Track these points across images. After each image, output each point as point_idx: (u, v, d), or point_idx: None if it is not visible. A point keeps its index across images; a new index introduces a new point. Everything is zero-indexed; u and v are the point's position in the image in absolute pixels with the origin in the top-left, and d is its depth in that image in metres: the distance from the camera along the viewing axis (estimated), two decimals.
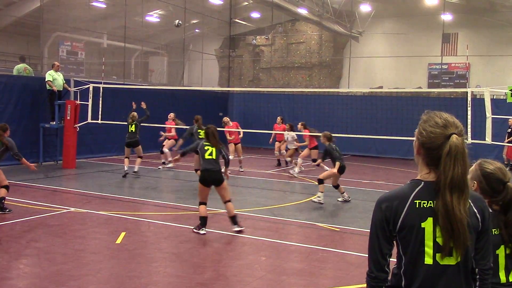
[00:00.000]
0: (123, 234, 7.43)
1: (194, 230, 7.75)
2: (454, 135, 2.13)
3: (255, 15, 29.53)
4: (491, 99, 11.44)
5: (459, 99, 18.41)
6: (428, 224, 2.12)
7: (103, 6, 26.97)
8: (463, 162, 2.10)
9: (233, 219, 7.89)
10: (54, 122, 14.48)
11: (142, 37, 28.55)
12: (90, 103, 14.71)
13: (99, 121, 14.65)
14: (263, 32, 29.07)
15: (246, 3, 29.88)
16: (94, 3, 25.87)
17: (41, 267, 5.97)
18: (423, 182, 2.18)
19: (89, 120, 14.60)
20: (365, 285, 2.27)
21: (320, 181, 10.03)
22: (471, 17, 24.54)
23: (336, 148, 10.24)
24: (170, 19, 29.68)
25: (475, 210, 2.16)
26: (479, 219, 2.16)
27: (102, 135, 16.65)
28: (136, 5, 25.47)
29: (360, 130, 17.60)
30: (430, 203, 2.13)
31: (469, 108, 10.75)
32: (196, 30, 31.49)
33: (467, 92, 11.66)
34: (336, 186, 10.43)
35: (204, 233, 7.66)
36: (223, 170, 7.98)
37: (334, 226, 8.54)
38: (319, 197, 9.99)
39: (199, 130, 12.08)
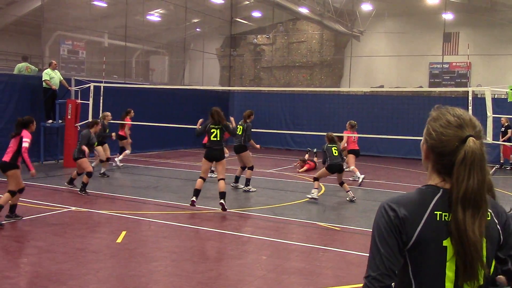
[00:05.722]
0: (123, 233, 7.43)
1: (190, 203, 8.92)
2: (470, 137, 1.73)
3: (256, 14, 29.51)
4: (492, 98, 11.44)
5: (460, 99, 18.40)
6: (450, 242, 1.72)
7: (104, 5, 26.95)
8: (480, 171, 1.70)
9: (221, 195, 8.82)
10: (51, 121, 14.53)
11: (143, 36, 28.54)
12: (91, 102, 14.71)
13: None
14: (264, 31, 29.07)
15: (247, 2, 29.87)
16: (95, 2, 25.83)
17: (41, 266, 5.97)
18: (441, 190, 1.76)
19: (90, 119, 14.59)
20: None
21: (315, 179, 10.48)
22: (472, 16, 24.50)
23: (331, 148, 10.39)
24: (171, 18, 29.73)
25: (496, 221, 1.80)
26: (500, 231, 1.80)
27: None
28: (137, 4, 25.47)
29: (360, 130, 17.53)
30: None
31: (470, 108, 10.74)
32: (197, 29, 31.49)
33: (468, 91, 11.67)
34: (341, 184, 10.62)
35: (193, 200, 8.86)
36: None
37: (335, 225, 8.53)
38: (312, 193, 10.37)
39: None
